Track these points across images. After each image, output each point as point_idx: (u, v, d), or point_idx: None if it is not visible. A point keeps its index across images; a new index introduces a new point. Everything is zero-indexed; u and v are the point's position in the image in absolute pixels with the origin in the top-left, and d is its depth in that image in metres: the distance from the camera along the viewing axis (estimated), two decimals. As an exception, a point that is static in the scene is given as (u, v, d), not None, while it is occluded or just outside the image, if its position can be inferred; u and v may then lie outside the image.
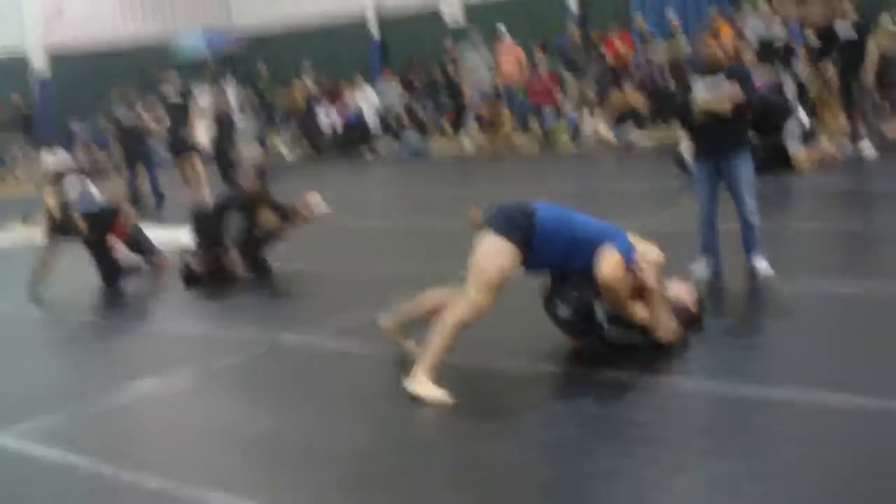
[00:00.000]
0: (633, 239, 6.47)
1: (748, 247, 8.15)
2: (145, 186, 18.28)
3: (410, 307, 6.93)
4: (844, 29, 14.47)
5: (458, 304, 6.12)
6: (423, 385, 5.99)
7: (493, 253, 6.13)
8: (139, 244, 11.34)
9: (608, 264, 6.13)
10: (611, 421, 5.41)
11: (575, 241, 6.26)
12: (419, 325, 6.72)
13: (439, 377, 6.02)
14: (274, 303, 9.57)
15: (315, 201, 10.78)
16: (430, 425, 5.75)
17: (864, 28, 14.35)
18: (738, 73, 8.08)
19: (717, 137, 8.03)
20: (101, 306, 10.34)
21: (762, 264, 8.07)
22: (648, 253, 6.42)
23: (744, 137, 8.20)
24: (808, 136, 13.49)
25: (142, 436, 6.16)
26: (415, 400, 5.94)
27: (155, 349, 8.19)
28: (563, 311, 6.44)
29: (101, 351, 8.55)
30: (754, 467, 4.63)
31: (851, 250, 9.19)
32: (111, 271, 10.90)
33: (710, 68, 8.04)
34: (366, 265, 10.49)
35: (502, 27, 22.39)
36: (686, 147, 14.01)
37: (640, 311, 6.33)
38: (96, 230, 10.77)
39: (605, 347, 6.50)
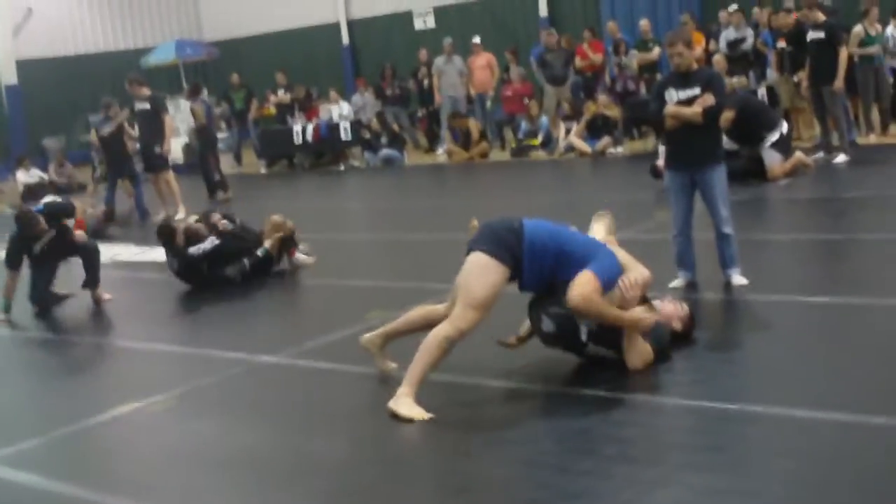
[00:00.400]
0: (620, 255, 6.48)
1: (723, 258, 8.18)
2: (131, 202, 17.87)
3: (395, 324, 6.91)
4: (815, 35, 14.53)
5: (444, 323, 6.11)
6: (404, 403, 5.97)
7: (481, 272, 6.13)
8: (90, 259, 10.79)
9: (577, 290, 6.08)
10: (590, 437, 5.42)
11: (562, 254, 6.25)
12: (403, 340, 6.73)
13: (420, 393, 6.02)
14: (250, 320, 9.53)
15: (301, 257, 11.04)
16: (409, 441, 5.76)
17: (835, 35, 14.40)
18: (709, 78, 8.12)
19: (691, 147, 8.04)
20: (74, 325, 10.25)
21: (738, 275, 8.10)
22: (634, 271, 6.41)
23: (718, 147, 8.22)
24: (782, 145, 13.52)
25: (120, 458, 6.12)
26: (395, 417, 5.93)
27: (130, 369, 8.16)
28: (547, 325, 6.44)
29: (76, 372, 8.50)
30: (734, 482, 4.66)
31: (826, 260, 9.24)
32: (45, 293, 10.75)
33: (682, 76, 8.07)
34: (341, 279, 10.46)
35: (476, 38, 22.41)
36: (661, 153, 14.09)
37: (616, 313, 6.27)
38: (53, 220, 10.55)
39: (585, 360, 6.52)
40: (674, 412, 5.73)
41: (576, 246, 6.33)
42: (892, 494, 4.39)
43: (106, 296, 10.57)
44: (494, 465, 5.23)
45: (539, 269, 6.25)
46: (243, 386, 7.20)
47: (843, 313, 7.40)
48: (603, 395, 6.05)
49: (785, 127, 13.80)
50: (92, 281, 10.56)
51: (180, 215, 16.72)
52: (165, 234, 10.79)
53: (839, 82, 14.34)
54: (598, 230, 7.06)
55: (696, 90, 7.97)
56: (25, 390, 8.13)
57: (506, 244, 6.18)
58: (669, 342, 6.62)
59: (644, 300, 6.55)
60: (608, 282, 6.21)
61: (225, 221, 11.02)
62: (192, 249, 10.50)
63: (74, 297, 10.73)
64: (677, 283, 8.14)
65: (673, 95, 8.05)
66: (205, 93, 22.52)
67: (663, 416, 5.69)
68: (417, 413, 5.92)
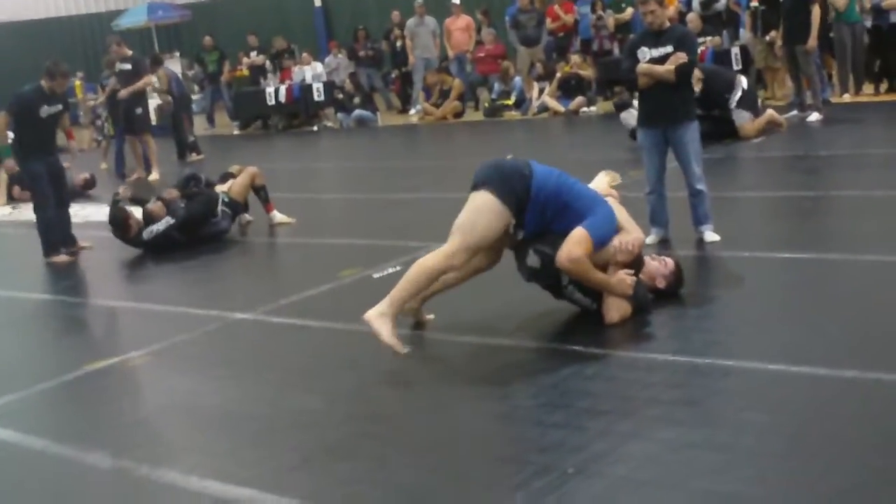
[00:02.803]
0: (619, 212, 6.50)
1: (696, 215, 8.22)
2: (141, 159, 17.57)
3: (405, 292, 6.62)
4: None
5: (436, 253, 6.16)
6: (385, 325, 6.05)
7: (487, 212, 6.16)
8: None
9: (567, 249, 6.12)
10: (563, 391, 5.44)
11: (564, 205, 6.27)
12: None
13: (387, 347, 6.05)
14: (225, 278, 9.53)
15: (278, 215, 11.05)
16: (383, 397, 5.77)
17: None
18: (682, 36, 8.13)
19: (663, 105, 8.08)
20: (51, 284, 10.22)
21: (710, 232, 8.15)
22: (629, 234, 6.43)
23: (690, 105, 8.25)
24: (747, 101, 13.52)
25: (95, 414, 6.11)
26: (372, 333, 6.02)
27: (106, 327, 8.17)
28: (532, 260, 6.41)
29: (52, 330, 8.48)
30: (706, 435, 4.69)
31: (799, 217, 9.26)
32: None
33: (655, 34, 8.08)
34: (315, 238, 10.46)
35: (456, 0, 22.31)
36: (633, 116, 14.08)
37: (600, 277, 6.32)
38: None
39: (560, 312, 6.55)
40: (646, 366, 5.75)
41: (578, 198, 6.33)
42: (863, 445, 4.42)
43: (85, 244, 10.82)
44: (468, 420, 5.25)
45: (540, 217, 6.27)
46: (218, 342, 7.20)
47: (815, 269, 7.44)
48: (576, 349, 6.08)
49: (745, 82, 13.78)
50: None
51: (154, 176, 16.69)
52: (117, 224, 10.61)
53: (812, 41, 14.35)
54: (600, 183, 7.07)
55: (669, 48, 7.99)
56: (0, 348, 8.11)
57: (515, 189, 6.19)
58: (650, 300, 6.65)
59: (637, 261, 6.58)
60: (601, 240, 6.24)
61: (174, 192, 10.87)
62: (146, 234, 10.40)
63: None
64: (650, 239, 8.15)
65: (646, 54, 8.06)
66: (177, 55, 22.39)
67: (636, 370, 5.71)
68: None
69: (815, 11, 14.37)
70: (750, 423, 4.79)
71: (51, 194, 10.68)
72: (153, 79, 18.47)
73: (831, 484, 4.13)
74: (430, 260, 6.16)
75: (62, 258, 10.68)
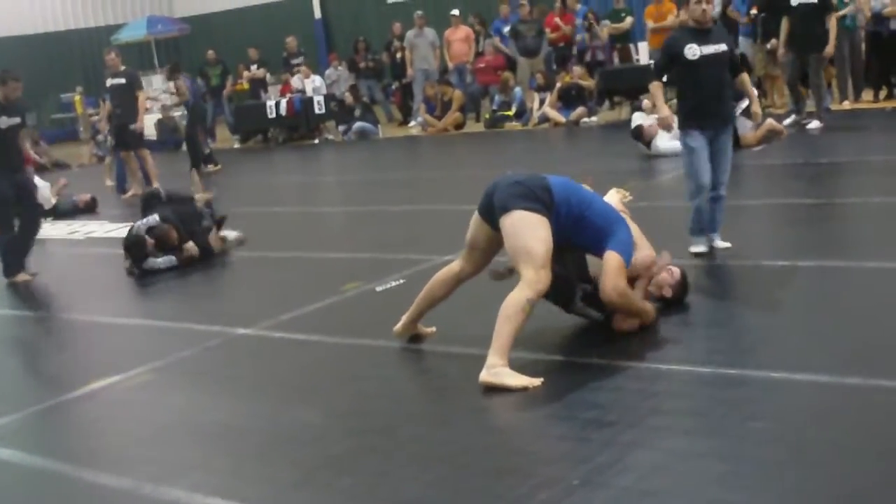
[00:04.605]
0: (633, 229, 6.45)
1: (713, 221, 8.13)
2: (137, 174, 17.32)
3: (418, 305, 6.74)
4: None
5: (522, 288, 5.87)
6: (507, 374, 5.75)
7: (535, 229, 5.95)
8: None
9: (611, 283, 6.07)
10: (568, 402, 5.42)
11: (582, 219, 6.17)
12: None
13: (393, 360, 6.02)
14: (226, 293, 9.54)
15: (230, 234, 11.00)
16: (387, 410, 5.74)
17: (826, 2, 14.20)
18: (723, 31, 8.04)
19: (717, 107, 7.93)
20: (49, 301, 10.21)
21: (720, 240, 8.12)
22: (640, 248, 6.42)
23: (732, 109, 8.19)
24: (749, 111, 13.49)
25: (98, 433, 6.09)
26: (494, 390, 5.72)
27: (107, 344, 8.13)
28: (577, 301, 6.46)
29: (53, 348, 8.47)
30: (711, 445, 4.68)
31: (801, 224, 9.25)
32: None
33: (702, 31, 7.92)
34: (317, 252, 10.46)
35: (455, 11, 22.36)
36: (638, 118, 14.08)
37: (641, 306, 6.34)
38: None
39: (562, 327, 6.55)
40: (651, 376, 5.73)
41: (596, 214, 6.24)
42: (867, 453, 4.41)
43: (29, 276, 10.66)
44: (472, 433, 5.23)
45: (560, 229, 6.08)
46: (220, 358, 7.18)
47: (817, 276, 7.44)
48: (580, 360, 6.08)
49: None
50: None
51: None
52: (136, 249, 10.40)
53: (831, 48, 14.29)
54: (612, 201, 7.04)
55: (723, 46, 7.87)
56: (1, 367, 8.09)
57: (543, 201, 6.03)
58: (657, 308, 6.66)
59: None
60: (629, 263, 6.21)
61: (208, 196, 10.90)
62: (147, 265, 10.30)
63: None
64: (698, 248, 8.08)
65: (696, 51, 7.84)
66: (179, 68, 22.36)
67: (640, 380, 5.69)
68: (526, 381, 5.71)
69: (833, 19, 14.26)
70: (755, 432, 4.77)
71: (13, 218, 10.40)
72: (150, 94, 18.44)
73: (836, 492, 4.11)
74: (523, 294, 5.85)
75: (24, 277, 10.56)
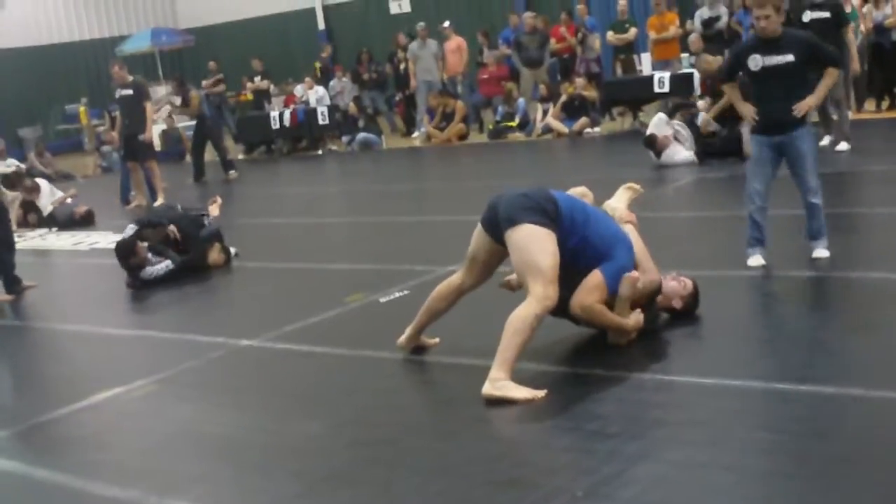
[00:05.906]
0: (637, 247, 6.44)
1: (812, 232, 7.97)
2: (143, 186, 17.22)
3: (421, 318, 6.73)
4: (817, 14, 13.83)
5: (530, 302, 5.83)
6: (510, 387, 5.72)
7: (542, 243, 5.90)
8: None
9: (580, 298, 6.12)
10: (571, 414, 5.42)
11: (585, 239, 6.14)
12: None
13: (394, 371, 6.01)
14: (230, 305, 9.53)
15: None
16: (389, 422, 5.73)
17: (841, 14, 13.84)
18: (806, 44, 7.76)
19: (780, 111, 7.76)
20: (51, 312, 10.21)
21: (821, 249, 7.93)
22: (645, 271, 6.41)
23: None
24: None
25: (101, 444, 6.08)
26: (498, 402, 5.70)
27: (110, 356, 8.13)
28: None
29: (56, 359, 8.46)
30: (714, 456, 4.67)
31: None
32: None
33: (768, 41, 7.74)
34: (321, 263, 10.46)
35: (446, 23, 22.42)
36: (655, 124, 14.05)
37: (612, 319, 6.29)
38: None
39: (564, 337, 6.55)
40: (654, 387, 5.73)
41: (598, 236, 6.20)
42: (870, 463, 4.41)
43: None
44: (474, 444, 5.22)
45: (563, 245, 6.01)
46: (224, 370, 7.19)
47: (819, 287, 7.45)
48: (583, 372, 6.09)
49: None
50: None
51: (160, 202, 16.68)
52: (124, 252, 10.39)
53: (856, 65, 14.12)
54: (620, 200, 7.01)
55: (790, 57, 7.66)
56: (4, 378, 8.11)
57: (549, 215, 5.99)
58: (657, 322, 6.66)
59: (656, 293, 6.59)
60: (614, 288, 6.20)
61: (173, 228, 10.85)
62: (144, 275, 10.29)
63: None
64: (754, 262, 7.92)
65: (758, 62, 7.73)
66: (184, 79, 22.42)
67: (643, 391, 5.69)
68: (530, 393, 5.69)
69: (849, 32, 13.95)
70: (757, 443, 4.78)
71: None
72: (156, 106, 18.49)
73: (838, 502, 4.11)
74: (531, 309, 5.81)
75: (3, 297, 10.53)
